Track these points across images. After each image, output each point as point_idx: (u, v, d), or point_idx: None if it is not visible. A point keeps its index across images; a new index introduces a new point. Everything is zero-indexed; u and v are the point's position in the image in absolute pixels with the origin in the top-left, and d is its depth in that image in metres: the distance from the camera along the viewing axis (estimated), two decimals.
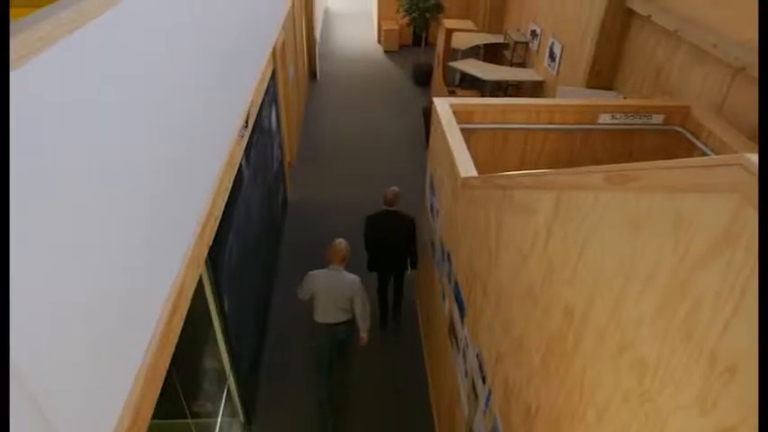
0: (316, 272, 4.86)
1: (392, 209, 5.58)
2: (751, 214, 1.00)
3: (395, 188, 5.65)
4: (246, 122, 4.83)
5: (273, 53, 6.60)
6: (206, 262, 3.55)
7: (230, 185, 4.20)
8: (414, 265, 5.93)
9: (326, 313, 4.81)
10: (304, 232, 7.69)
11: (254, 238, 5.36)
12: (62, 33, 1.70)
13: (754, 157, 1.01)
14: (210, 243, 3.57)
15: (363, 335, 4.95)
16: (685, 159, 1.20)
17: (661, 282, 1.31)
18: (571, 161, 4.95)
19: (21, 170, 1.46)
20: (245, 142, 4.85)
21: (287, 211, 8.07)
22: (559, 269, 1.96)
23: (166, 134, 2.71)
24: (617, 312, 1.55)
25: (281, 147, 7.54)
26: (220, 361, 4.32)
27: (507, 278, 2.68)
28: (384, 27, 14.95)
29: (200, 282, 3.50)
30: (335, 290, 4.74)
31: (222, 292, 4.00)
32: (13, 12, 1.94)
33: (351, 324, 4.93)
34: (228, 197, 4.13)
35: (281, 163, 7.61)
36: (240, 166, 4.63)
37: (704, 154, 4.51)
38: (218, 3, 3.88)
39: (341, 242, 4.88)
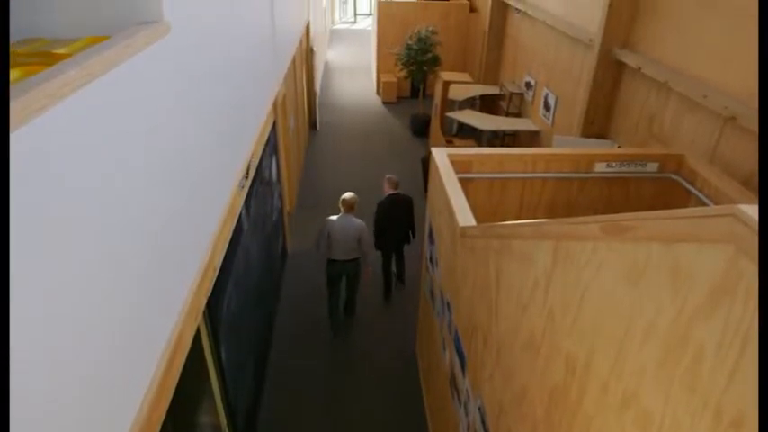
0: (332, 217, 6.22)
1: (395, 192, 7.03)
2: (746, 265, 1.00)
3: (392, 175, 7.19)
4: (247, 173, 4.89)
5: (274, 105, 6.76)
6: (204, 313, 3.52)
7: (230, 235, 4.22)
8: (413, 236, 7.35)
9: (339, 251, 6.19)
10: (303, 282, 7.65)
11: (252, 289, 5.33)
12: (69, 91, 1.75)
13: (746, 208, 1.03)
14: (209, 293, 3.55)
15: (369, 268, 6.43)
16: (680, 210, 1.22)
17: (661, 333, 1.30)
18: (569, 209, 4.99)
19: (21, 220, 1.47)
20: (246, 192, 4.90)
21: (286, 261, 8.05)
22: (560, 319, 1.94)
23: (167, 186, 2.74)
24: (619, 364, 1.53)
25: (280, 196, 7.60)
26: (216, 416, 4.22)
27: (508, 328, 2.65)
28: (383, 79, 15.34)
29: (198, 333, 3.46)
30: (347, 229, 6.11)
31: (220, 344, 3.95)
32: (25, 69, 2.01)
33: (357, 261, 6.35)
34: (228, 247, 4.14)
35: (281, 212, 7.65)
36: (240, 216, 4.66)
37: (700, 201, 4.55)
38: (223, 61, 4.01)
39: (350, 194, 6.30)
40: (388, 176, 7.13)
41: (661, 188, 4.97)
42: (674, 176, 4.88)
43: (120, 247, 2.14)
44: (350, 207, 6.19)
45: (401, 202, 7.06)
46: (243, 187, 4.73)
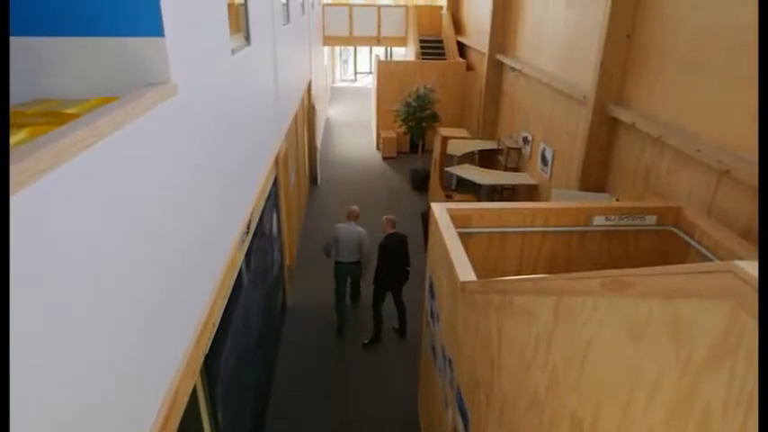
0: (339, 224, 7.49)
1: (392, 232, 7.34)
2: (747, 321, 1.00)
3: (390, 216, 7.58)
4: (248, 228, 4.92)
5: (276, 160, 6.87)
6: (201, 370, 3.46)
7: (230, 291, 4.20)
8: (408, 275, 7.55)
9: (344, 253, 7.37)
10: (303, 336, 7.54)
11: (251, 344, 5.25)
12: (77, 150, 1.80)
13: (744, 265, 1.04)
14: (207, 351, 3.50)
15: (364, 272, 7.63)
16: (678, 266, 1.23)
17: (667, 391, 1.28)
18: (569, 263, 4.98)
19: (22, 277, 1.47)
20: (246, 247, 4.91)
21: (285, 315, 7.96)
22: (563, 377, 1.91)
23: (168, 242, 2.75)
24: (626, 422, 1.50)
25: (281, 250, 7.60)
26: None
27: (511, 385, 2.60)
28: (383, 135, 15.64)
29: (194, 391, 3.38)
30: (350, 234, 7.33)
31: (216, 402, 3.85)
32: (34, 129, 2.06)
33: (359, 264, 7.51)
34: (227, 302, 4.11)
35: (281, 266, 7.63)
36: (240, 270, 4.65)
37: (700, 253, 4.55)
38: (227, 119, 4.11)
39: (354, 207, 7.70)
40: (386, 217, 7.56)
41: (660, 241, 4.98)
42: (672, 229, 4.90)
43: (117, 304, 2.13)
44: (354, 216, 7.58)
45: (399, 240, 7.37)
46: (243, 242, 4.75)
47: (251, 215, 5.03)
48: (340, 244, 7.33)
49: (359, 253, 7.41)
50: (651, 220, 4.94)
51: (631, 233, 5.01)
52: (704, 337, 1.14)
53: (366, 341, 7.52)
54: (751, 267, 1.02)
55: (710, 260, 4.31)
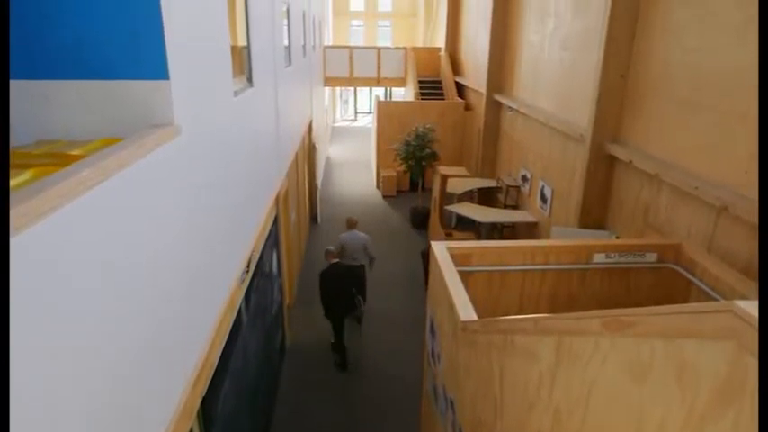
0: (342, 234, 8.51)
1: (334, 262, 7.49)
2: (750, 362, 1.00)
3: (330, 247, 7.74)
4: (248, 267, 4.91)
5: (277, 199, 6.91)
6: (198, 413, 3.39)
7: (228, 331, 4.16)
8: (360, 302, 7.80)
9: (350, 257, 8.22)
10: (302, 376, 7.42)
11: (250, 385, 5.16)
12: (82, 191, 1.82)
13: (745, 304, 1.03)
14: (204, 392, 3.44)
15: (371, 269, 8.62)
16: (679, 306, 1.22)
17: None
18: (571, 301, 4.95)
19: (22, 310, 1.47)
20: (246, 286, 4.89)
21: (285, 355, 7.85)
22: (567, 418, 1.88)
23: (168, 282, 2.75)
24: None
25: (280, 289, 7.56)
26: None
27: (514, 427, 2.55)
28: (383, 174, 15.77)
29: None
30: (355, 240, 8.34)
31: None
32: (39, 170, 2.09)
33: (363, 267, 8.40)
34: (226, 342, 4.06)
35: (281, 305, 7.58)
36: (239, 310, 4.62)
37: (702, 290, 4.52)
38: (229, 159, 4.16)
39: (352, 216, 8.80)
40: (328, 248, 7.73)
41: (661, 278, 4.96)
42: (673, 266, 4.89)
43: (113, 345, 2.12)
44: (354, 224, 8.58)
45: (342, 273, 7.47)
46: (243, 281, 4.73)
47: (251, 253, 5.02)
48: (346, 251, 8.28)
49: (365, 256, 8.44)
50: (651, 257, 4.94)
51: (632, 270, 4.99)
52: (709, 379, 1.13)
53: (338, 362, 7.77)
54: (751, 307, 1.02)
55: (712, 297, 4.28)
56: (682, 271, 4.80)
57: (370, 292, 9.83)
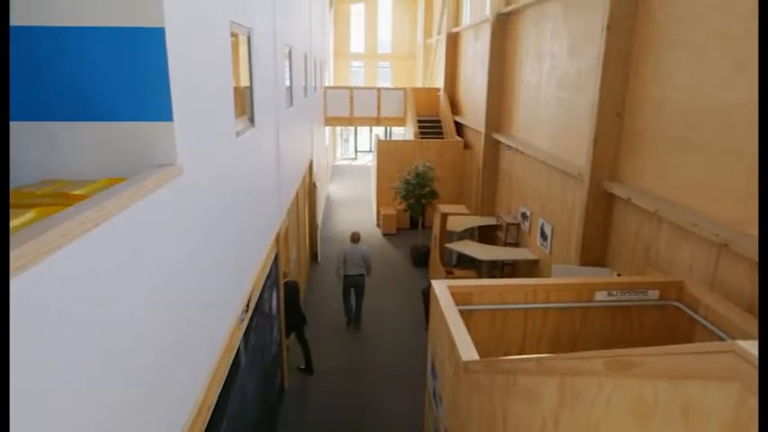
0: (346, 246, 9.73)
1: (286, 280, 7.85)
2: (755, 404, 0.98)
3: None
4: (247, 306, 4.87)
5: (277, 238, 6.91)
6: None
7: (227, 372, 4.10)
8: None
9: (351, 267, 9.47)
10: (301, 419, 7.26)
11: (248, 427, 5.05)
12: (84, 231, 1.83)
13: (747, 344, 1.03)
14: None
15: (368, 277, 9.74)
16: (681, 346, 1.22)
17: None
18: (574, 340, 4.90)
19: (21, 350, 1.45)
20: (245, 326, 4.84)
21: (284, 396, 7.71)
22: None
23: (166, 322, 2.73)
24: None
25: (280, 329, 7.48)
26: None
27: None
28: (383, 212, 15.82)
29: None
30: (355, 252, 9.54)
31: None
32: (42, 210, 2.10)
33: (363, 276, 9.60)
34: (224, 384, 4.00)
35: (280, 345, 7.49)
36: (238, 350, 4.56)
37: (706, 329, 4.48)
38: (230, 199, 4.19)
39: (356, 231, 10.03)
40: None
41: (664, 316, 4.92)
42: (676, 304, 4.86)
43: (110, 386, 2.09)
44: (356, 239, 9.79)
45: (292, 288, 8.03)
46: (242, 321, 4.69)
47: (251, 293, 5.00)
48: (348, 262, 9.53)
49: (363, 266, 9.59)
50: (654, 294, 4.91)
51: (635, 308, 4.95)
52: (714, 422, 1.11)
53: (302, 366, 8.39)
54: (754, 347, 1.01)
55: (717, 336, 4.24)
56: (685, 309, 4.76)
57: (370, 337, 9.76)
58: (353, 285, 9.64)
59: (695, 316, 4.62)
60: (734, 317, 4.17)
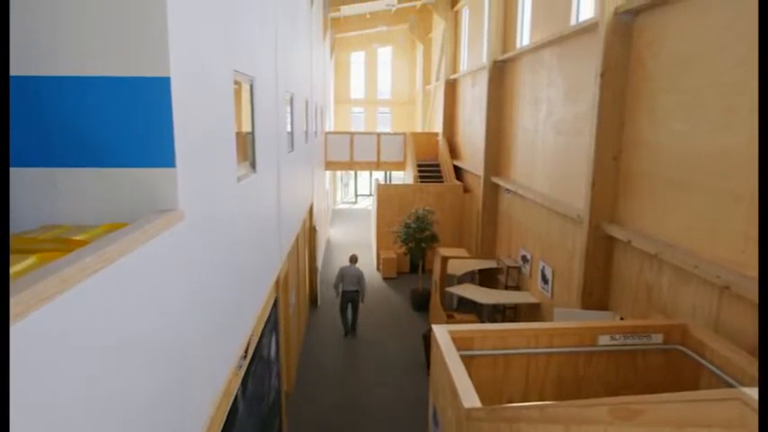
0: (342, 266, 11.26)
1: None
2: None
3: None
4: (246, 352, 4.80)
5: (276, 282, 6.88)
6: None
7: (224, 420, 4.01)
8: None
9: (348, 285, 11.00)
10: None
11: None
12: (84, 277, 1.83)
13: (752, 392, 1.02)
14: None
15: (363, 297, 11.27)
16: (687, 393, 1.20)
17: None
18: (578, 386, 4.81)
19: (21, 396, 1.43)
20: (243, 372, 4.76)
21: None
22: None
23: (164, 368, 2.69)
24: None
25: (279, 375, 7.35)
26: None
27: None
28: (383, 256, 15.79)
29: None
30: (352, 271, 11.12)
31: None
32: (43, 256, 2.10)
33: (357, 293, 11.11)
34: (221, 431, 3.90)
35: (279, 392, 7.34)
36: (236, 397, 4.47)
37: (712, 373, 4.40)
38: (230, 244, 4.20)
39: (354, 254, 11.65)
40: None
41: (669, 360, 4.85)
42: (680, 348, 4.80)
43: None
44: (354, 260, 11.48)
45: None
46: (241, 367, 4.62)
47: (250, 338, 4.94)
48: (345, 279, 11.14)
49: (358, 284, 11.17)
50: (658, 338, 4.85)
51: (639, 353, 4.89)
52: None
53: None
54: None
55: (723, 381, 4.16)
56: (690, 353, 4.70)
57: (371, 382, 9.60)
58: (350, 300, 11.20)
59: (700, 360, 4.56)
60: (740, 361, 4.12)
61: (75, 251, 2.01)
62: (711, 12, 5.13)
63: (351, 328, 11.41)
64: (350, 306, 11.29)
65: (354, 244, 20.19)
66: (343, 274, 11.13)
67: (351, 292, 11.16)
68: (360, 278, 11.15)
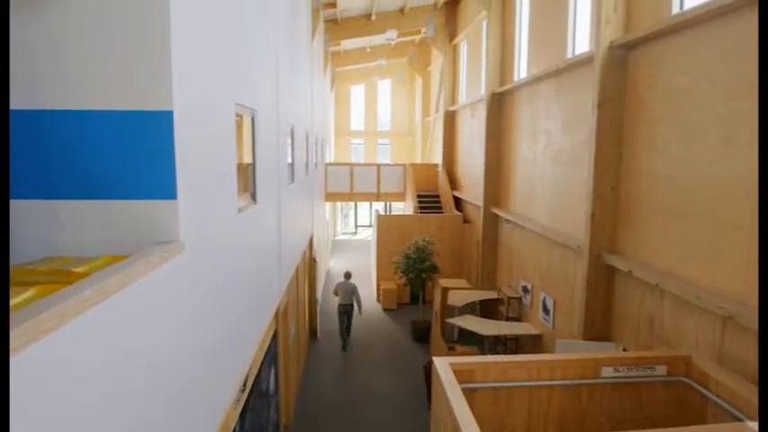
0: (339, 281, 12.75)
1: None
2: None
3: None
4: (244, 385, 4.74)
5: (276, 314, 6.83)
6: None
7: None
8: None
9: (343, 298, 12.42)
10: None
11: None
12: (82, 310, 1.82)
13: (755, 425, 1.01)
14: None
15: (358, 308, 12.58)
16: (693, 428, 1.19)
17: None
18: (581, 419, 4.72)
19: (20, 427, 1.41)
20: (241, 406, 4.69)
21: None
22: None
23: (160, 401, 2.65)
24: None
25: (277, 409, 7.23)
26: None
27: None
28: (383, 287, 15.71)
29: None
30: (347, 286, 12.53)
31: None
32: (42, 288, 2.10)
33: (352, 305, 12.49)
34: None
35: (277, 426, 7.21)
36: (234, 431, 4.39)
37: (717, 405, 4.33)
38: (230, 276, 4.19)
39: (348, 270, 13.17)
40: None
41: (674, 392, 4.78)
42: (684, 379, 4.73)
43: None
44: (348, 276, 12.84)
45: None
46: (239, 401, 4.55)
47: (248, 371, 4.88)
48: (340, 293, 12.62)
49: (352, 297, 12.53)
50: (662, 370, 4.79)
51: (643, 385, 4.82)
52: None
53: None
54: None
55: (729, 413, 4.09)
56: (694, 385, 4.63)
57: (371, 416, 9.45)
58: (345, 312, 12.63)
59: (705, 392, 4.49)
60: (745, 392, 4.05)
61: (74, 283, 2.01)
62: (703, 46, 5.23)
63: (343, 341, 12.80)
64: (346, 317, 12.74)
65: (354, 275, 20.04)
66: (338, 289, 12.81)
67: (346, 305, 12.57)
68: (354, 291, 12.54)
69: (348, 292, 12.53)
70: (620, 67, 6.71)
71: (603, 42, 6.71)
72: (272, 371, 6.77)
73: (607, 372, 4.75)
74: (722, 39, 4.96)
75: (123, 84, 2.70)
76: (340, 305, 12.62)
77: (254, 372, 5.32)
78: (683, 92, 5.53)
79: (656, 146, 6.01)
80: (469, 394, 4.31)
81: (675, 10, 5.76)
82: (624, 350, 6.55)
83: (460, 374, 4.47)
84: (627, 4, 6.65)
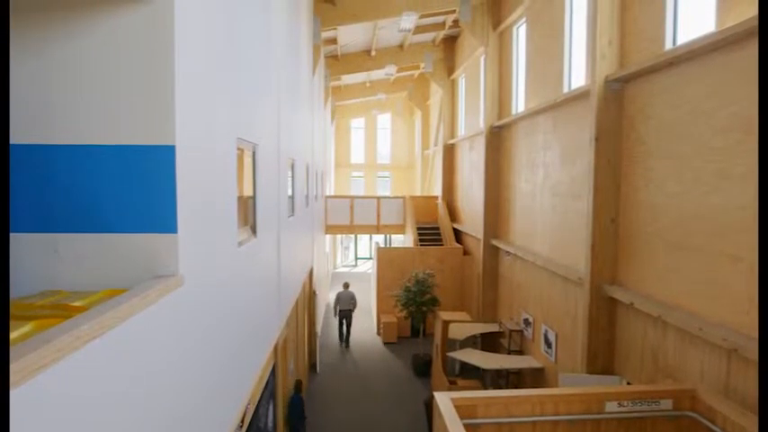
0: (340, 291, 15.22)
1: None
2: None
3: None
4: (242, 422, 4.65)
5: (275, 348, 6.75)
6: None
7: None
8: None
9: (343, 304, 14.90)
10: None
11: None
12: (80, 344, 1.81)
13: None
14: None
15: (353, 308, 15.08)
16: None
17: None
18: None
19: None
20: None
21: None
22: None
23: None
24: None
25: None
26: None
27: None
28: (383, 320, 15.56)
29: None
30: (346, 295, 15.02)
31: None
32: (40, 322, 2.09)
33: (351, 311, 14.95)
34: None
35: None
36: None
37: None
38: (229, 310, 4.15)
39: (347, 281, 15.73)
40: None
41: (680, 428, 4.69)
42: (691, 414, 4.65)
43: None
44: (347, 286, 14.96)
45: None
46: None
47: (246, 407, 4.79)
48: (341, 301, 14.75)
49: (351, 303, 14.66)
50: (667, 404, 4.71)
51: (648, 421, 4.74)
52: None
53: None
54: None
55: None
56: (701, 419, 4.55)
57: None
58: (345, 316, 14.73)
59: (713, 427, 4.41)
60: (752, 426, 3.98)
61: (72, 318, 1.99)
62: (692, 82, 5.34)
63: (345, 341, 14.91)
64: (345, 321, 14.76)
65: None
66: (339, 298, 14.88)
67: (346, 311, 14.74)
68: (353, 297, 14.83)
69: (347, 299, 14.69)
70: (615, 101, 6.80)
71: (599, 77, 6.82)
72: (271, 406, 6.65)
73: (611, 406, 4.67)
74: (712, 74, 5.05)
75: (126, 118, 2.74)
76: (340, 311, 14.70)
77: (252, 408, 5.22)
78: (677, 125, 5.60)
79: (654, 178, 6.05)
80: (472, 430, 4.23)
81: (669, 45, 5.88)
82: (628, 384, 6.45)
83: (462, 410, 4.40)
84: (621, 39, 6.79)
